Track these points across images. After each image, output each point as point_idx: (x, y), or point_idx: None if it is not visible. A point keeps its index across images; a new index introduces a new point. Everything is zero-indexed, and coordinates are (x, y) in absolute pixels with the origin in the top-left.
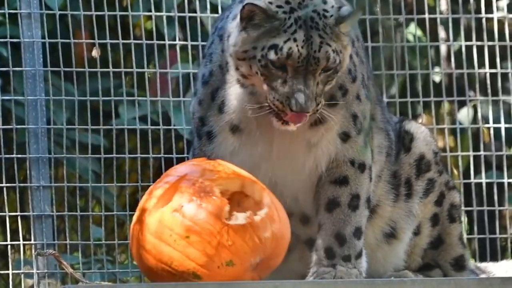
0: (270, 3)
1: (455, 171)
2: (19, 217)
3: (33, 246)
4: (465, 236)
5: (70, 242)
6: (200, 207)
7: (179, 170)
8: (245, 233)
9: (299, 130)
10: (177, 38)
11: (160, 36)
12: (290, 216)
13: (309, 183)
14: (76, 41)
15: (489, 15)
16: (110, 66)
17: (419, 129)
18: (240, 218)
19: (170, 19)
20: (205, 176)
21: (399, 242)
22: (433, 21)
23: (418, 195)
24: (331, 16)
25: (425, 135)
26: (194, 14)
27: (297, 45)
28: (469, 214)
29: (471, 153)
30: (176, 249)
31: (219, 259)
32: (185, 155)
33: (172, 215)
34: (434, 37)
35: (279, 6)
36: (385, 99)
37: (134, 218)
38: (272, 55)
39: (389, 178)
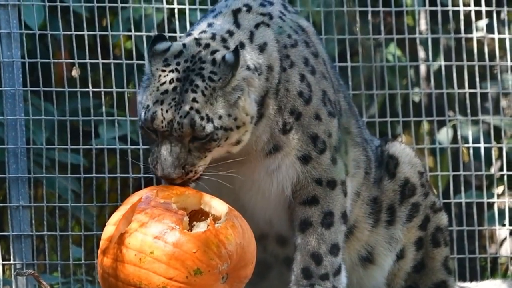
0: (157, 59)
1: (435, 191)
2: None
3: (12, 266)
4: None
5: (50, 262)
6: (160, 222)
7: (134, 196)
8: (207, 240)
9: (257, 158)
10: None
11: (140, 56)
12: (265, 238)
13: (280, 206)
14: (55, 60)
15: (469, 35)
16: (90, 85)
17: (404, 151)
18: (200, 226)
19: (150, 39)
20: (160, 195)
21: (376, 268)
22: (412, 41)
23: (401, 221)
24: (219, 79)
25: (410, 157)
26: (174, 34)
27: (161, 109)
28: (449, 233)
29: (450, 173)
30: (142, 267)
31: (186, 269)
32: None
33: (134, 236)
34: (414, 57)
35: (165, 63)
36: (364, 119)
37: (99, 250)
38: (142, 116)
39: (369, 202)
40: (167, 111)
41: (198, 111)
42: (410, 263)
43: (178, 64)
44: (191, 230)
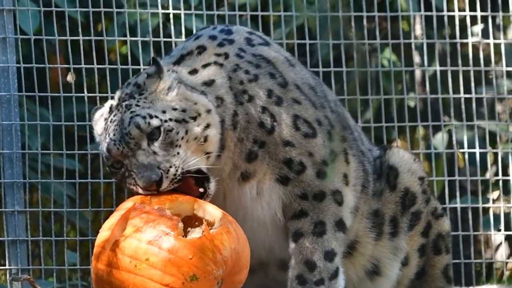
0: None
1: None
2: None
3: (7, 271)
4: None
5: (45, 267)
6: (154, 228)
7: (127, 202)
8: (202, 245)
9: (234, 185)
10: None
11: (135, 61)
12: (266, 265)
13: (277, 231)
14: (51, 65)
15: (464, 40)
16: (85, 90)
17: (403, 159)
18: (195, 232)
19: (145, 44)
20: (153, 201)
21: (384, 279)
22: (407, 46)
23: (404, 231)
24: (147, 89)
25: (410, 165)
26: (169, 39)
27: (110, 138)
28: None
29: (445, 178)
30: (138, 274)
31: (182, 275)
32: None
33: (129, 242)
34: (409, 62)
35: (105, 119)
36: (359, 124)
37: (93, 254)
38: (105, 159)
39: (369, 215)
40: (114, 135)
41: (138, 115)
42: (414, 269)
43: (110, 112)
44: (186, 236)
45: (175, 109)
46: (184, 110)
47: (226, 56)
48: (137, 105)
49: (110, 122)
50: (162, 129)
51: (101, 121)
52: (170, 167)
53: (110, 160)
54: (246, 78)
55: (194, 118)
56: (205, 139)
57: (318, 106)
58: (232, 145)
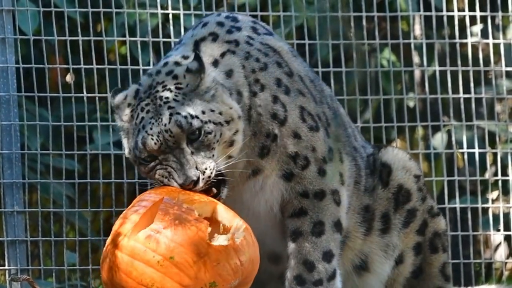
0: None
1: None
2: None
3: (7, 271)
4: None
5: (44, 267)
6: (183, 228)
7: (153, 195)
8: (227, 255)
9: (240, 181)
10: (151, 63)
11: (135, 61)
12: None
13: (270, 224)
14: (50, 66)
15: (463, 40)
16: (84, 91)
17: (396, 157)
18: (221, 239)
19: (144, 44)
20: (182, 199)
21: (372, 275)
22: (407, 46)
23: (397, 228)
24: (187, 85)
25: (404, 162)
26: (168, 39)
27: (146, 131)
28: (447, 239)
29: (445, 178)
30: (159, 270)
31: (202, 280)
32: None
33: (155, 237)
34: (408, 62)
35: (129, 107)
36: (359, 124)
37: (108, 241)
38: (134, 151)
39: (360, 210)
40: (151, 129)
41: (178, 113)
42: (409, 268)
43: (140, 98)
44: (212, 241)
45: (213, 111)
46: (221, 113)
47: (237, 43)
48: (175, 100)
49: (141, 111)
50: (202, 131)
51: (126, 106)
52: (206, 168)
53: (143, 154)
54: (257, 67)
55: (228, 122)
56: (231, 143)
57: (318, 101)
58: (247, 139)
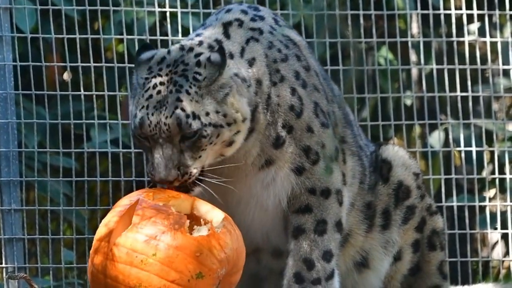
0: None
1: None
2: None
3: (4, 269)
4: None
5: (41, 265)
6: (161, 224)
7: (129, 198)
8: (210, 244)
9: (251, 172)
10: None
11: (132, 59)
12: (260, 251)
13: (277, 218)
14: (47, 64)
15: (460, 39)
16: (82, 89)
17: (397, 154)
18: (202, 230)
19: (142, 42)
20: (157, 198)
21: (371, 272)
22: (404, 45)
23: (397, 224)
24: (204, 78)
25: (404, 160)
26: (165, 37)
27: (147, 113)
28: (444, 237)
29: (442, 176)
30: (144, 269)
31: (189, 272)
32: None
33: (136, 237)
34: (405, 60)
35: (148, 71)
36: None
37: (92, 249)
38: (132, 124)
39: (363, 208)
40: (152, 114)
41: (183, 110)
42: (407, 265)
43: (160, 69)
44: (192, 233)
45: (217, 112)
46: (225, 115)
47: (261, 31)
48: (187, 93)
49: (153, 88)
50: (198, 133)
51: (146, 69)
52: (186, 173)
53: (137, 131)
54: (279, 57)
55: (229, 124)
56: (230, 143)
57: (329, 100)
58: (263, 127)
